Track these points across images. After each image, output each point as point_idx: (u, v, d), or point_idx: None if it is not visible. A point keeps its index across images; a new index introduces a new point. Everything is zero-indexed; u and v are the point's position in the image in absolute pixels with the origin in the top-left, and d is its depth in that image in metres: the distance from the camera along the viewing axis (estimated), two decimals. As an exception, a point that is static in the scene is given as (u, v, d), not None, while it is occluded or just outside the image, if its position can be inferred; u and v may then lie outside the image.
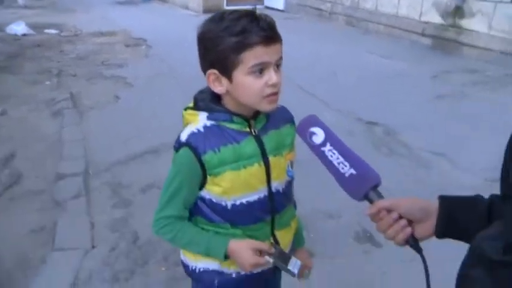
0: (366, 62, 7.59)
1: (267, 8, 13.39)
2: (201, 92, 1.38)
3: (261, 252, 1.33)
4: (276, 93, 1.26)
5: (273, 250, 1.34)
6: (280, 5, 13.17)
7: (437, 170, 4.03)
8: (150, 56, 8.00)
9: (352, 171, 1.07)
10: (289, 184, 1.45)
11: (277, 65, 1.26)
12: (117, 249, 3.00)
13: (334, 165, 1.09)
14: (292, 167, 1.43)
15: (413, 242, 1.02)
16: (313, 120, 1.17)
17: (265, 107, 1.27)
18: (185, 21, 11.63)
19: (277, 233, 1.44)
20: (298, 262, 1.35)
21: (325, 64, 7.37)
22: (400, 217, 1.01)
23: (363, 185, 1.06)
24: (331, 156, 1.10)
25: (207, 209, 1.37)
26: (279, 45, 1.25)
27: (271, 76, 1.22)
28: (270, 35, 1.21)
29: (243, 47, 1.19)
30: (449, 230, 0.98)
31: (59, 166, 4.07)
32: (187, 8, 13.65)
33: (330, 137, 1.12)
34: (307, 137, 1.14)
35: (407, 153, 4.32)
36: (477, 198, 1.00)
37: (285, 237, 1.47)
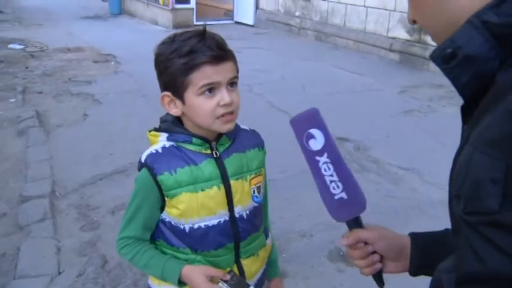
0: (335, 77, 7.68)
1: (237, 23, 13.46)
2: (167, 114, 1.37)
3: (216, 280, 1.29)
4: (231, 113, 1.24)
5: (227, 277, 1.29)
6: (250, 20, 13.25)
7: (407, 185, 4.07)
8: (119, 73, 7.90)
9: (343, 195, 0.95)
10: (256, 210, 1.40)
11: (232, 83, 1.25)
12: (85, 274, 2.91)
13: (325, 181, 0.96)
14: (260, 192, 1.39)
15: (378, 277, 1.00)
16: (315, 118, 0.98)
17: (220, 127, 1.26)
18: (155, 37, 11.47)
19: (243, 262, 1.40)
20: None
21: (294, 79, 7.42)
22: (374, 251, 0.99)
23: (350, 213, 0.98)
24: (325, 170, 0.95)
25: (168, 232, 1.35)
26: (230, 63, 1.25)
27: (223, 96, 1.22)
28: (218, 54, 1.21)
29: (190, 67, 1.20)
30: (424, 269, 0.98)
31: (23, 188, 3.94)
32: (156, 23, 13.59)
33: (329, 146, 0.96)
34: (303, 138, 0.97)
35: (378, 168, 4.36)
36: (446, 233, 1.00)
37: (251, 267, 1.42)
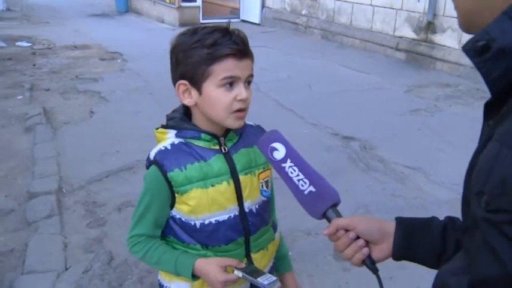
0: (341, 75, 7.67)
1: (243, 21, 13.45)
2: (173, 111, 1.39)
3: (230, 269, 1.29)
4: (243, 110, 1.26)
5: (242, 265, 1.30)
6: (256, 19, 13.24)
7: (413, 184, 4.06)
8: (125, 70, 7.92)
9: (312, 188, 1.06)
10: (265, 204, 1.41)
11: (248, 82, 1.27)
12: (91, 271, 2.93)
13: (293, 182, 1.08)
14: (268, 187, 1.41)
15: (370, 263, 1.01)
16: (275, 136, 1.16)
17: (232, 123, 1.27)
18: (161, 35, 11.57)
19: (253, 256, 1.40)
20: (274, 278, 1.27)
21: (300, 78, 7.42)
22: (358, 237, 0.99)
23: (322, 204, 1.05)
24: (291, 173, 1.09)
25: (178, 228, 1.35)
26: (250, 61, 1.27)
27: (241, 91, 1.23)
28: (242, 49, 1.23)
29: (214, 58, 1.21)
30: (406, 252, 0.98)
31: (31, 184, 3.97)
32: (163, 21, 13.60)
33: (290, 154, 1.12)
34: (268, 152, 1.14)
35: (384, 168, 4.35)
36: (432, 221, 1.01)
37: (261, 261, 1.43)
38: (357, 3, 9.86)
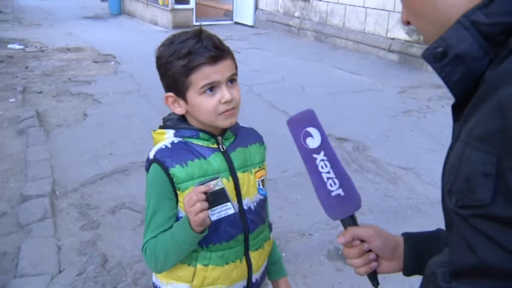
0: (335, 77, 7.70)
1: (237, 23, 13.48)
2: (169, 114, 1.41)
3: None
4: (232, 109, 1.28)
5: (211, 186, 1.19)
6: (250, 21, 13.27)
7: (405, 184, 4.09)
8: (119, 73, 7.91)
9: (340, 192, 0.96)
10: (262, 202, 1.43)
11: (232, 80, 1.29)
12: (85, 273, 2.92)
13: (322, 178, 0.97)
14: (264, 185, 1.43)
15: (373, 277, 1.00)
16: (312, 118, 1.00)
17: (222, 123, 1.30)
18: (154, 37, 11.56)
19: (251, 254, 1.42)
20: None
21: (294, 79, 7.44)
22: (370, 250, 0.99)
23: (347, 210, 0.98)
24: (322, 168, 0.96)
25: None
26: (228, 61, 1.28)
27: (223, 94, 1.26)
28: (216, 54, 1.24)
29: (190, 69, 1.24)
30: (417, 268, 0.98)
31: (24, 187, 3.95)
32: (156, 23, 13.60)
33: (325, 145, 0.98)
34: (300, 136, 0.98)
35: (377, 168, 4.37)
36: (438, 233, 1.02)
37: (258, 260, 1.45)
38: (349, 4, 9.91)
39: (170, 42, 1.29)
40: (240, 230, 1.37)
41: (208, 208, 1.17)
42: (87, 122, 5.57)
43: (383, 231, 1.02)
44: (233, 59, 1.31)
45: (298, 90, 6.90)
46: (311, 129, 0.97)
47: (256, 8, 13.22)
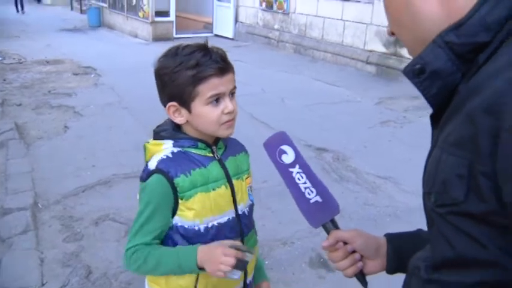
0: (314, 89, 7.83)
1: (217, 36, 13.58)
2: (159, 126, 1.45)
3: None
4: (232, 119, 1.35)
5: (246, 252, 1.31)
6: (230, 33, 13.39)
7: (384, 193, 4.19)
8: (99, 85, 7.90)
9: (318, 198, 1.06)
10: (252, 208, 1.51)
11: (232, 93, 1.35)
12: (69, 285, 2.93)
13: (300, 189, 1.07)
14: (252, 191, 1.52)
15: (361, 276, 1.06)
16: (284, 138, 1.13)
17: (223, 132, 1.36)
18: (135, 50, 11.59)
19: None
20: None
21: (274, 91, 7.55)
22: (354, 251, 1.06)
23: (326, 215, 1.07)
24: (299, 179, 1.07)
25: (179, 237, 1.38)
26: (231, 74, 1.35)
27: (227, 105, 1.32)
28: (223, 67, 1.31)
29: (199, 80, 1.28)
30: (400, 266, 1.04)
31: (5, 200, 3.93)
32: (136, 36, 13.62)
33: (299, 159, 1.10)
34: (275, 154, 1.10)
35: (356, 178, 4.47)
36: (419, 233, 1.09)
37: (251, 263, 1.51)
38: (328, 17, 10.10)
39: (174, 53, 1.33)
40: (237, 234, 1.43)
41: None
42: (68, 134, 5.56)
43: (365, 233, 1.09)
44: (234, 73, 1.37)
45: (278, 102, 7.00)
46: (285, 147, 1.10)
47: (236, 20, 13.36)
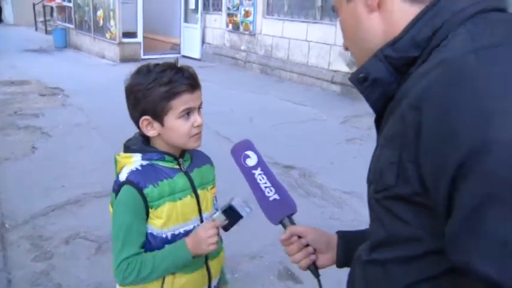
0: (281, 108, 8.01)
1: (184, 56, 13.70)
2: (129, 139, 1.56)
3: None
4: (200, 132, 1.48)
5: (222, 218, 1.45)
6: (197, 54, 13.54)
7: (350, 208, 4.35)
8: (67, 106, 7.87)
9: (276, 196, 1.21)
10: None
11: (199, 108, 1.49)
12: (40, 304, 2.93)
13: (261, 188, 1.22)
14: (216, 201, 1.64)
15: (314, 268, 1.19)
16: (249, 144, 1.30)
17: (192, 144, 1.49)
18: (103, 70, 11.58)
19: (210, 263, 1.60)
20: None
21: (241, 111, 7.69)
22: (307, 245, 1.19)
23: (283, 211, 1.21)
24: (260, 180, 1.22)
25: (149, 244, 1.48)
26: (199, 91, 1.49)
27: (196, 118, 1.46)
28: (193, 83, 1.45)
29: (172, 95, 1.41)
30: (348, 260, 1.14)
31: (-29, 222, 3.89)
32: (103, 57, 13.60)
33: (261, 163, 1.26)
34: (241, 159, 1.26)
35: (322, 193, 4.62)
36: (368, 230, 1.22)
37: (216, 266, 1.63)
38: (293, 38, 10.38)
39: (147, 71, 1.44)
40: None
41: (231, 226, 1.46)
42: (36, 155, 5.53)
43: (318, 229, 1.23)
44: (201, 90, 1.49)
45: (246, 122, 7.14)
46: (249, 152, 1.26)
47: (203, 41, 13.54)
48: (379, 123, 0.94)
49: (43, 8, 20.40)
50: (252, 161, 1.25)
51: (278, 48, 10.92)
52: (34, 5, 21.85)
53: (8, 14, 25.76)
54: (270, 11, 11.22)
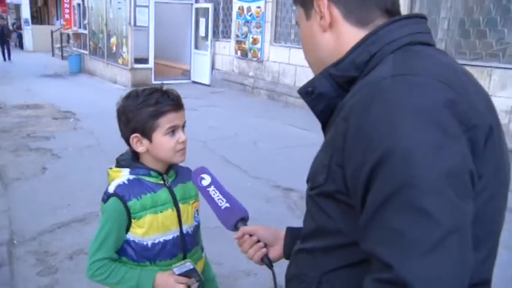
0: (285, 132, 8.20)
1: (194, 82, 14.02)
2: (121, 155, 1.76)
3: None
4: (184, 148, 1.67)
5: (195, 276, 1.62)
6: (206, 80, 13.85)
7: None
8: (78, 129, 8.15)
9: (227, 205, 1.43)
10: (197, 228, 1.81)
11: (183, 126, 1.68)
12: (43, 316, 3.07)
13: (214, 200, 1.44)
14: (198, 214, 1.81)
15: (267, 261, 1.35)
16: (203, 170, 1.53)
17: (178, 159, 1.67)
18: (114, 95, 11.68)
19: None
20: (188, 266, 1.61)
21: (247, 135, 7.88)
22: (259, 241, 1.35)
23: (234, 216, 1.41)
24: (213, 194, 1.46)
25: (131, 250, 1.67)
26: (183, 112, 1.69)
27: (180, 135, 1.65)
28: (178, 104, 1.65)
29: (159, 114, 1.60)
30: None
31: (-19, 237, 4.07)
32: (115, 82, 13.97)
33: (214, 182, 1.49)
34: (198, 180, 1.50)
35: (319, 215, 4.74)
36: None
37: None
38: (299, 65, 10.63)
39: (136, 95, 1.64)
40: (180, 250, 1.71)
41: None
42: (45, 175, 5.75)
43: (266, 226, 1.39)
44: (184, 110, 1.69)
45: (250, 145, 7.33)
46: (203, 175, 1.51)
47: (212, 67, 13.86)
48: (324, 131, 1.08)
49: (60, 35, 21.12)
50: (206, 181, 1.50)
51: (285, 74, 11.17)
52: (52, 32, 22.63)
53: (27, 41, 26.71)
54: (277, 38, 11.52)
